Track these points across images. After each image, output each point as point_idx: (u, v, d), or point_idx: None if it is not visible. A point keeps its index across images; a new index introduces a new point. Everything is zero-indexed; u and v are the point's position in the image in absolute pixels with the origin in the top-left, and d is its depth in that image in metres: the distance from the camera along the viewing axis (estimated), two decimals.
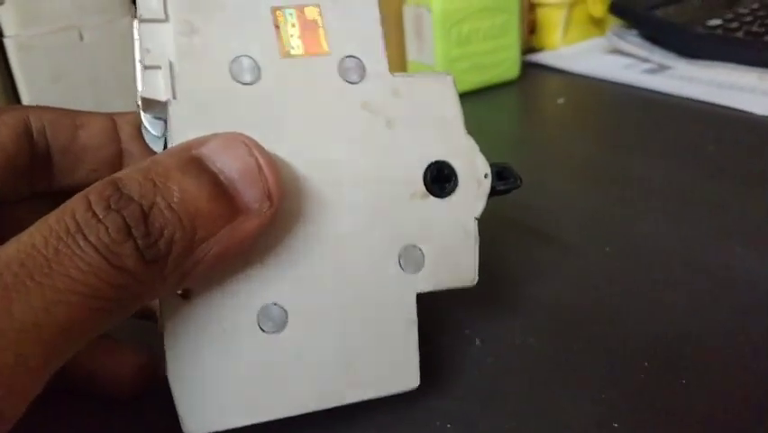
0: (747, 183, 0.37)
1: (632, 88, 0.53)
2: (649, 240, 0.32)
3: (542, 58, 0.61)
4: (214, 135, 0.18)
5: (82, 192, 0.16)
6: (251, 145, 0.18)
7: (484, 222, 0.23)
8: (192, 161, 0.17)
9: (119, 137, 0.23)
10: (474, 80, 0.54)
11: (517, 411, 0.22)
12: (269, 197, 0.18)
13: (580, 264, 0.31)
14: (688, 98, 0.49)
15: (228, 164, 0.17)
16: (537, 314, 0.27)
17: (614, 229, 0.34)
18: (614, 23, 0.63)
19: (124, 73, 0.44)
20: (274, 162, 0.18)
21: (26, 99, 0.41)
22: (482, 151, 0.23)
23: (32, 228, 0.15)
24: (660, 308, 0.27)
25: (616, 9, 0.60)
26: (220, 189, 0.17)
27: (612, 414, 0.22)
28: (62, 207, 0.16)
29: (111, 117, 0.23)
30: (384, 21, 0.22)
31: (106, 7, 0.42)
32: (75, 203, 0.16)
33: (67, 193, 0.21)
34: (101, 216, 0.15)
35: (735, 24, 0.55)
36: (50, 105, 0.41)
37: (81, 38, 0.42)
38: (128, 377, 0.23)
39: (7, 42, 0.40)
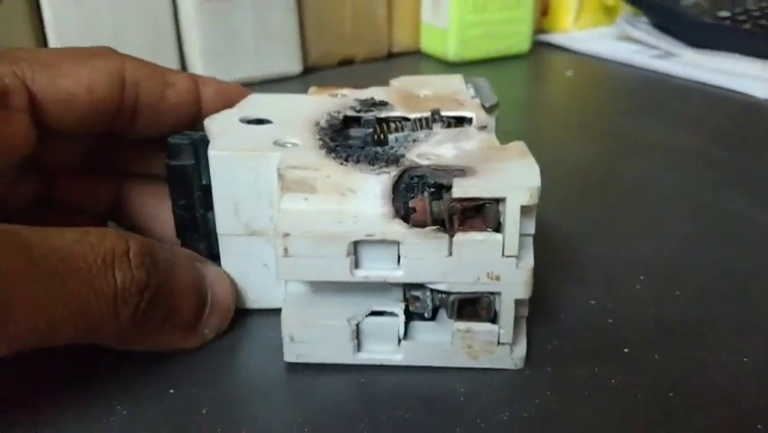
0: (743, 147, 0.38)
1: (639, 69, 0.54)
2: (645, 183, 0.33)
3: (552, 38, 0.63)
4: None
5: (123, 233, 0.19)
6: (231, 286, 0.22)
7: None
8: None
9: (200, 99, 0.24)
10: (486, 48, 0.55)
11: None
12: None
13: (580, 200, 0.32)
14: (693, 81, 0.51)
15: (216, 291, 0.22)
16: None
17: (615, 174, 0.35)
18: (625, 11, 0.64)
19: (146, 1, 0.44)
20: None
21: (48, 15, 0.42)
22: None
23: (80, 235, 0.18)
24: (655, 231, 0.28)
25: None
26: (203, 308, 0.21)
27: (604, 313, 0.23)
28: (102, 232, 0.19)
29: (194, 79, 0.25)
30: None
31: None
32: (115, 240, 0.19)
33: (144, 141, 0.25)
34: (133, 264, 0.18)
35: (743, 17, 0.56)
36: (70, 23, 0.42)
37: None
38: None
39: None
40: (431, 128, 0.23)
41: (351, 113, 0.24)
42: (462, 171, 0.19)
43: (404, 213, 0.19)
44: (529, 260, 0.19)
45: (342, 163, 0.20)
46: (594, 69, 0.56)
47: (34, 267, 0.16)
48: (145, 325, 0.19)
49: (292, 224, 0.19)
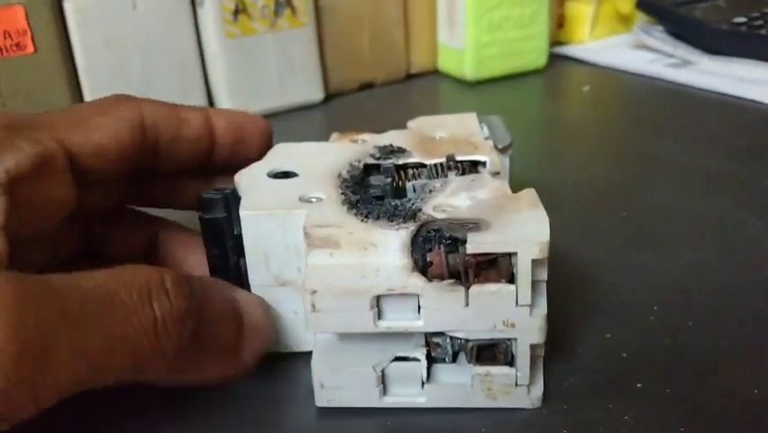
0: (760, 162, 0.38)
1: (655, 80, 0.55)
2: (661, 204, 0.34)
3: (568, 50, 0.63)
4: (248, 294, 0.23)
5: (157, 267, 0.20)
6: (264, 307, 0.23)
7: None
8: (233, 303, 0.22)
9: (213, 132, 0.26)
10: (502, 66, 0.56)
11: None
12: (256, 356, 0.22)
13: (597, 224, 0.33)
14: (709, 90, 0.51)
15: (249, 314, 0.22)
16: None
17: (631, 197, 0.36)
18: (640, 19, 0.64)
19: (172, 42, 0.46)
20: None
21: (80, 60, 0.44)
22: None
23: (112, 274, 0.19)
24: (670, 257, 0.29)
25: (643, 5, 0.62)
26: (241, 332, 0.22)
27: (618, 346, 0.24)
28: (135, 268, 0.19)
29: (205, 113, 0.26)
30: None
31: None
32: (149, 273, 0.19)
33: (164, 175, 0.27)
34: (172, 294, 0.19)
35: (759, 22, 0.56)
36: (101, 67, 0.44)
37: (135, 7, 0.45)
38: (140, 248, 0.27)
39: (66, 6, 0.43)
40: (446, 175, 0.25)
41: (371, 160, 0.25)
42: (476, 225, 0.20)
43: (422, 264, 0.20)
44: (543, 307, 0.20)
45: (363, 220, 0.22)
46: (611, 82, 0.56)
47: (67, 315, 0.17)
48: (191, 354, 0.20)
49: (319, 281, 0.20)
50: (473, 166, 0.25)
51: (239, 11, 0.47)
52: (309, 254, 0.21)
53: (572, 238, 0.31)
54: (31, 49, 0.42)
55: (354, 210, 0.22)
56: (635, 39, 0.63)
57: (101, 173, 0.24)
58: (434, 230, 0.21)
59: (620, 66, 0.59)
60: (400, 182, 0.25)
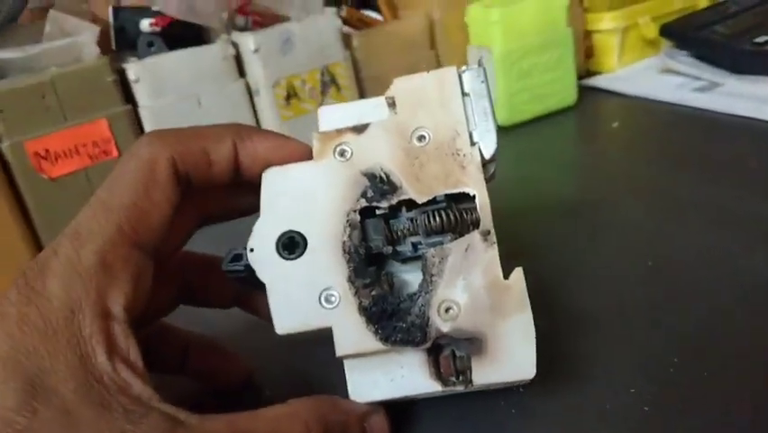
0: None
1: (682, 108, 0.58)
2: (688, 253, 0.37)
3: (598, 82, 0.66)
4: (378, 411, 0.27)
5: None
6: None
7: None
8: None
9: (239, 168, 0.28)
10: (534, 110, 0.60)
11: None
12: None
13: (622, 276, 0.36)
14: (734, 115, 0.53)
15: None
16: (581, 318, 0.33)
17: (656, 243, 0.39)
18: (667, 43, 0.67)
19: None
20: None
21: None
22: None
23: None
24: (690, 311, 0.32)
25: (666, 31, 0.65)
26: None
27: (642, 401, 0.28)
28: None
29: (233, 150, 0.28)
30: None
31: (219, 76, 0.51)
32: None
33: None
34: None
35: None
36: None
37: (199, 104, 0.51)
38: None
39: (142, 112, 0.50)
40: (440, 229, 0.27)
41: (364, 203, 0.27)
42: (478, 342, 0.25)
43: (435, 362, 0.26)
44: None
45: (384, 343, 0.26)
46: (638, 113, 0.59)
47: None
48: None
49: (363, 396, 0.27)
50: (462, 199, 0.27)
51: (290, 96, 0.52)
52: (346, 367, 0.27)
53: (599, 291, 0.34)
54: (115, 153, 0.49)
55: (372, 328, 0.26)
56: (662, 64, 0.65)
57: (166, 236, 0.27)
58: (443, 344, 0.26)
59: (649, 95, 0.61)
60: (396, 235, 0.28)
